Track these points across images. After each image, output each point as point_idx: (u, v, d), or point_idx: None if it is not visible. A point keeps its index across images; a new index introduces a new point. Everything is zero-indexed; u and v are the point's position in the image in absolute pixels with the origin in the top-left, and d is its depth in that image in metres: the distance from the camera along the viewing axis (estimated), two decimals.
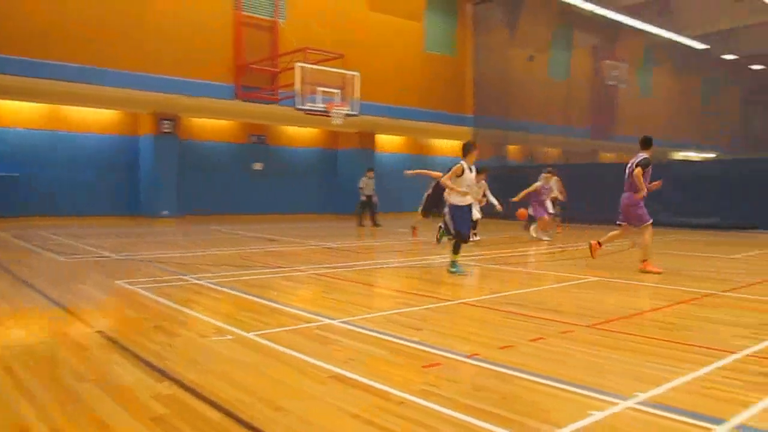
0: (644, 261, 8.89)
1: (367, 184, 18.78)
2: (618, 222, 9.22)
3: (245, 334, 4.91)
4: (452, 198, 8.64)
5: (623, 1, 24.61)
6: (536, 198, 14.43)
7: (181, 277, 8.01)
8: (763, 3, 20.64)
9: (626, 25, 25.42)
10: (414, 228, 14.76)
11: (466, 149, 8.77)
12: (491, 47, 25.76)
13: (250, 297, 6.63)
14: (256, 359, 4.27)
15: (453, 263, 8.62)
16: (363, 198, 18.83)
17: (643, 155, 8.93)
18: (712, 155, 27.85)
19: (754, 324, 5.41)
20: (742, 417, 3.14)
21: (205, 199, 21.99)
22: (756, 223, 17.25)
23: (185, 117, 21.38)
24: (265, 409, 3.27)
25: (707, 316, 5.87)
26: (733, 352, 4.38)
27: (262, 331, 4.99)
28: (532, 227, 14.73)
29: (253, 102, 18.93)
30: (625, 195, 9.04)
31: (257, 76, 19.08)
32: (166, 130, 20.25)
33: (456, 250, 8.63)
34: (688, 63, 28.42)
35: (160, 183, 20.18)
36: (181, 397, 3.44)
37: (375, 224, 18.54)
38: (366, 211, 18.84)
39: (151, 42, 17.14)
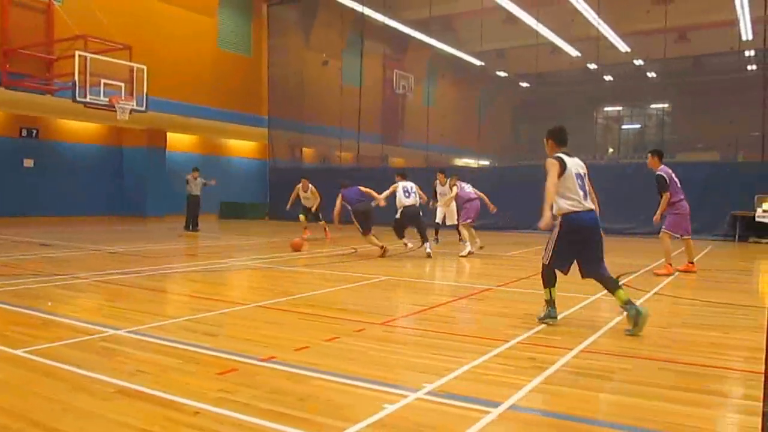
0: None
1: (194, 184, 17.57)
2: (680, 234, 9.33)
3: (13, 351, 4.38)
4: None
5: (411, 15, 26.15)
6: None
7: None
8: (529, 27, 23.16)
9: (414, 38, 27.04)
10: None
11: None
12: (286, 49, 25.87)
13: (19, 309, 5.93)
14: (27, 378, 3.83)
15: None
16: (191, 198, 17.52)
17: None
18: (486, 162, 30.57)
19: (522, 314, 6.04)
20: (514, 399, 3.49)
21: None
22: (527, 224, 19.29)
23: None
24: None
25: (484, 309, 6.43)
26: (506, 341, 4.85)
27: (34, 347, 4.49)
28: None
29: (23, 91, 17.00)
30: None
31: (28, 63, 17.19)
32: None
33: None
34: (468, 77, 30.97)
35: None
36: None
37: (194, 227, 17.47)
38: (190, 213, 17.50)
39: None
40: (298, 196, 15.79)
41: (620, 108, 33.49)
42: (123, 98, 16.52)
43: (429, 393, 3.58)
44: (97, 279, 8.09)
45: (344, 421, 3.11)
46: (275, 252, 12.22)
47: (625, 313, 5.22)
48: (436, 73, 31.45)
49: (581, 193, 5.39)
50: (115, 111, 16.44)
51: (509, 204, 19.72)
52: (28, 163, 21.05)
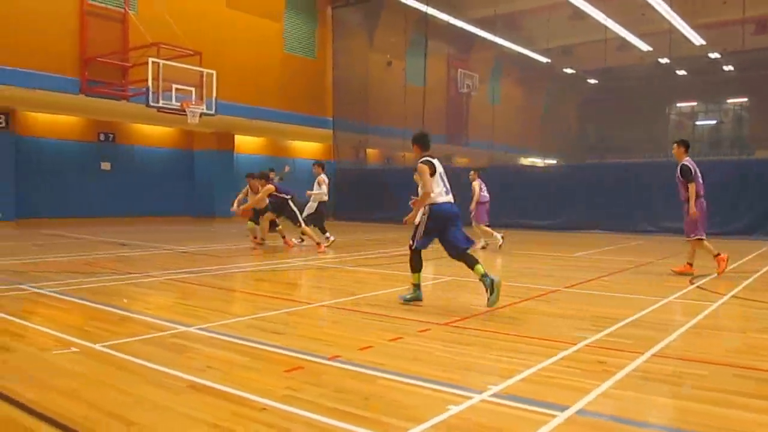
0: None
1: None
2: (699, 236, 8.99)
3: (92, 345, 4.59)
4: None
5: (476, 14, 25.92)
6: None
7: (17, 286, 7.33)
8: (597, 23, 22.59)
9: (478, 37, 26.79)
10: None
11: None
12: (350, 51, 26.09)
13: (98, 305, 6.21)
14: (105, 372, 4.00)
15: None
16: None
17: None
18: (553, 161, 30.00)
19: (591, 317, 5.89)
20: (581, 403, 3.40)
21: (48, 200, 20.28)
22: (594, 224, 18.84)
23: (24, 111, 19.60)
24: (116, 425, 3.06)
25: (551, 310, 6.30)
26: (573, 344, 4.73)
27: (112, 342, 4.69)
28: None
29: (101, 97, 17.78)
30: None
31: (106, 70, 17.94)
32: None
33: None
34: (533, 75, 30.47)
35: None
36: (18, 419, 3.14)
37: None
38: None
39: None
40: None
41: (694, 103, 32.22)
42: (193, 102, 17.03)
43: (494, 395, 3.53)
44: (169, 277, 8.37)
45: (409, 421, 3.11)
46: (339, 252, 12.34)
47: (486, 288, 6.13)
48: (502, 71, 31.07)
49: (445, 188, 6.49)
50: (186, 115, 16.96)
51: (575, 203, 19.34)
52: (106, 166, 22.04)
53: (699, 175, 8.93)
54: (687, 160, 8.96)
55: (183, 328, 5.20)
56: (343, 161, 26.58)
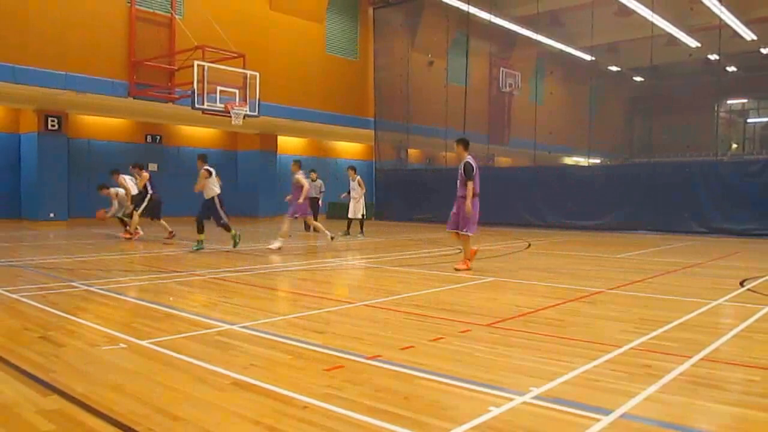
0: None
1: (312, 187, 18.02)
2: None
3: (139, 341, 4.70)
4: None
5: (518, 12, 25.64)
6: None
7: (68, 283, 7.57)
8: (643, 19, 22.11)
9: (520, 35, 26.50)
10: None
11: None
12: (392, 51, 26.13)
13: (144, 303, 6.36)
14: (151, 368, 4.10)
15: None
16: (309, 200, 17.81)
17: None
18: (597, 160, 29.48)
19: (637, 319, 5.77)
20: (627, 407, 3.34)
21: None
22: (640, 224, 18.46)
23: (74, 114, 20.22)
24: (162, 420, 3.13)
25: (595, 312, 6.20)
26: (618, 346, 4.64)
27: (158, 339, 4.80)
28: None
29: (148, 100, 18.21)
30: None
31: (153, 74, 18.37)
32: (52, 128, 19.07)
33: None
34: (578, 73, 29.98)
35: (45, 183, 18.91)
36: (69, 412, 3.24)
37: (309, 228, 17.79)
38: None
39: (35, 33, 16.12)
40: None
41: (745, 101, 31.27)
42: (237, 104, 17.29)
43: (536, 397, 3.49)
44: (213, 276, 8.52)
45: (449, 422, 3.10)
46: (381, 251, 12.37)
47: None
48: (544, 69, 30.67)
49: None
50: (230, 117, 17.23)
51: (620, 203, 18.97)
52: (153, 167, 22.54)
53: (479, 174, 9.19)
54: (470, 158, 9.15)
55: (227, 326, 5.29)
56: (384, 161, 26.63)
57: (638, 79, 30.78)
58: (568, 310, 6.27)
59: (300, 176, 12.94)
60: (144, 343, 4.67)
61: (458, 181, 9.27)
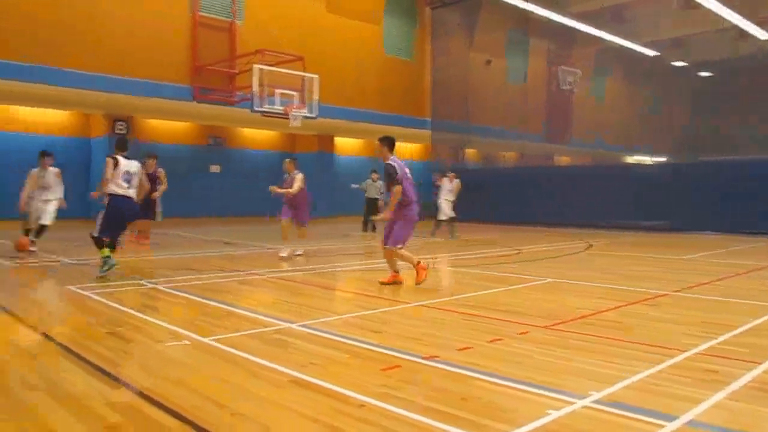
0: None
1: (370, 186, 18.09)
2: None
3: (202, 338, 4.84)
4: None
5: (577, 8, 25.14)
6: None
7: (136, 281, 7.84)
8: (710, 12, 21.33)
9: (580, 32, 25.96)
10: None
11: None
12: (449, 50, 26.00)
13: (207, 301, 6.53)
14: (213, 364, 4.21)
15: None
16: (369, 201, 17.90)
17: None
18: (662, 159, 28.59)
19: (702, 323, 5.57)
20: (692, 413, 3.23)
21: (162, 201, 21.57)
22: (706, 224, 17.81)
23: (140, 118, 20.95)
24: (222, 415, 3.22)
25: (659, 315, 6.02)
26: (683, 351, 4.50)
27: (219, 336, 4.92)
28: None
29: (210, 103, 18.69)
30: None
31: (214, 78, 18.83)
32: (119, 132, 19.80)
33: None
34: (640, 69, 29.16)
35: None
36: (136, 405, 3.37)
37: (371, 229, 17.64)
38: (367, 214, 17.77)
39: (104, 41, 16.76)
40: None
41: None
42: (296, 106, 17.54)
43: (596, 401, 3.42)
44: (272, 275, 8.68)
45: (507, 424, 3.07)
46: (437, 251, 12.33)
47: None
48: (606, 66, 29.96)
49: (125, 184, 8.03)
50: (289, 119, 17.49)
51: (686, 203, 18.33)
52: (215, 168, 23.16)
53: (407, 177, 7.80)
54: (393, 160, 7.82)
55: (285, 325, 5.38)
56: (440, 162, 26.54)
57: (705, 74, 29.68)
58: (630, 313, 6.11)
59: (298, 177, 11.60)
60: (206, 340, 4.80)
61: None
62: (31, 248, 10.79)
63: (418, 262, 7.70)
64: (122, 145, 8.46)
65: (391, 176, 7.68)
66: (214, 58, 18.69)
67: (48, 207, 10.99)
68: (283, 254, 10.87)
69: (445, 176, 16.50)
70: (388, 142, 7.99)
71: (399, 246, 7.74)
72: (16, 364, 4.13)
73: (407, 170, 7.83)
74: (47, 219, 10.98)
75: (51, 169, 11.16)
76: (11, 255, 10.44)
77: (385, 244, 7.83)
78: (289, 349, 4.62)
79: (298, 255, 11.23)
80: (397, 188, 7.57)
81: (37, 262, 9.77)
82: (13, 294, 6.93)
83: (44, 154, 11.22)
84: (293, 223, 11.60)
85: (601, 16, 24.02)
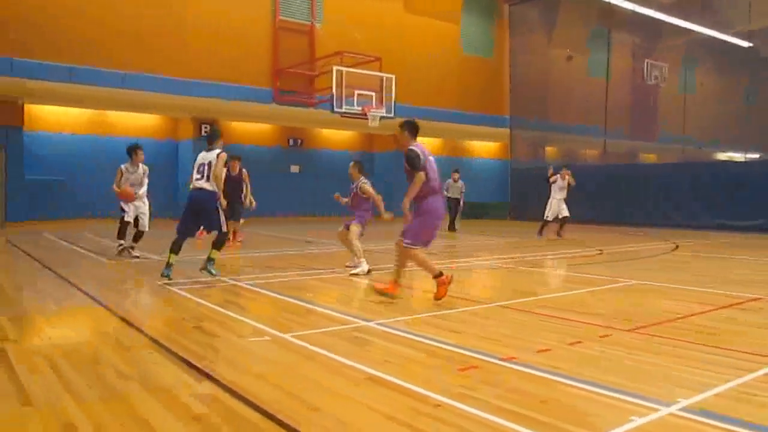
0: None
1: (452, 186, 17.92)
2: None
3: (282, 335, 4.96)
4: None
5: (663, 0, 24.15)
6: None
7: (220, 279, 8.12)
8: None
9: (667, 23, 24.90)
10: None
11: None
12: (528, 48, 25.55)
13: (287, 298, 6.69)
14: (292, 360, 4.31)
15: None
16: (450, 200, 17.42)
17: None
18: (756, 156, 27.07)
19: None
20: None
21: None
22: None
23: (224, 121, 21.68)
24: (301, 410, 3.29)
25: (752, 320, 5.71)
26: None
27: (299, 332, 5.03)
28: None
29: (291, 106, 19.13)
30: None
31: (294, 80, 19.27)
32: (205, 134, 20.55)
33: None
34: (732, 61, 27.70)
35: None
36: (220, 397, 3.49)
37: (451, 228, 17.53)
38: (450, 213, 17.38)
39: (190, 48, 17.47)
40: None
41: None
42: (374, 107, 17.69)
43: (684, 409, 3.28)
44: (351, 273, 8.76)
45: (589, 430, 2.99)
46: (516, 251, 12.15)
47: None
48: (694, 59, 28.61)
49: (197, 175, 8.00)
50: (367, 119, 17.66)
51: None
52: (294, 168, 23.71)
53: (432, 166, 6.72)
54: (416, 146, 6.75)
55: (363, 323, 5.44)
56: (519, 160, 26.10)
57: None
58: (721, 317, 5.82)
59: (367, 185, 9.90)
60: (287, 336, 4.92)
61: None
62: (134, 254, 10.52)
63: (440, 274, 6.59)
64: (209, 138, 8.37)
65: (414, 163, 6.48)
66: (294, 60, 19.11)
67: (143, 210, 10.70)
68: (356, 271, 8.89)
69: (558, 173, 15.60)
70: (410, 127, 7.00)
71: (417, 246, 6.61)
72: (111, 355, 4.37)
73: (431, 158, 6.77)
74: (146, 226, 10.73)
75: (141, 165, 10.69)
76: (108, 249, 11.01)
77: (401, 237, 6.68)
78: (367, 346, 4.67)
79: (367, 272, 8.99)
80: (420, 175, 6.40)
81: (135, 259, 10.26)
82: (109, 290, 7.33)
83: (136, 147, 10.58)
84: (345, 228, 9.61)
85: (689, 7, 22.95)
